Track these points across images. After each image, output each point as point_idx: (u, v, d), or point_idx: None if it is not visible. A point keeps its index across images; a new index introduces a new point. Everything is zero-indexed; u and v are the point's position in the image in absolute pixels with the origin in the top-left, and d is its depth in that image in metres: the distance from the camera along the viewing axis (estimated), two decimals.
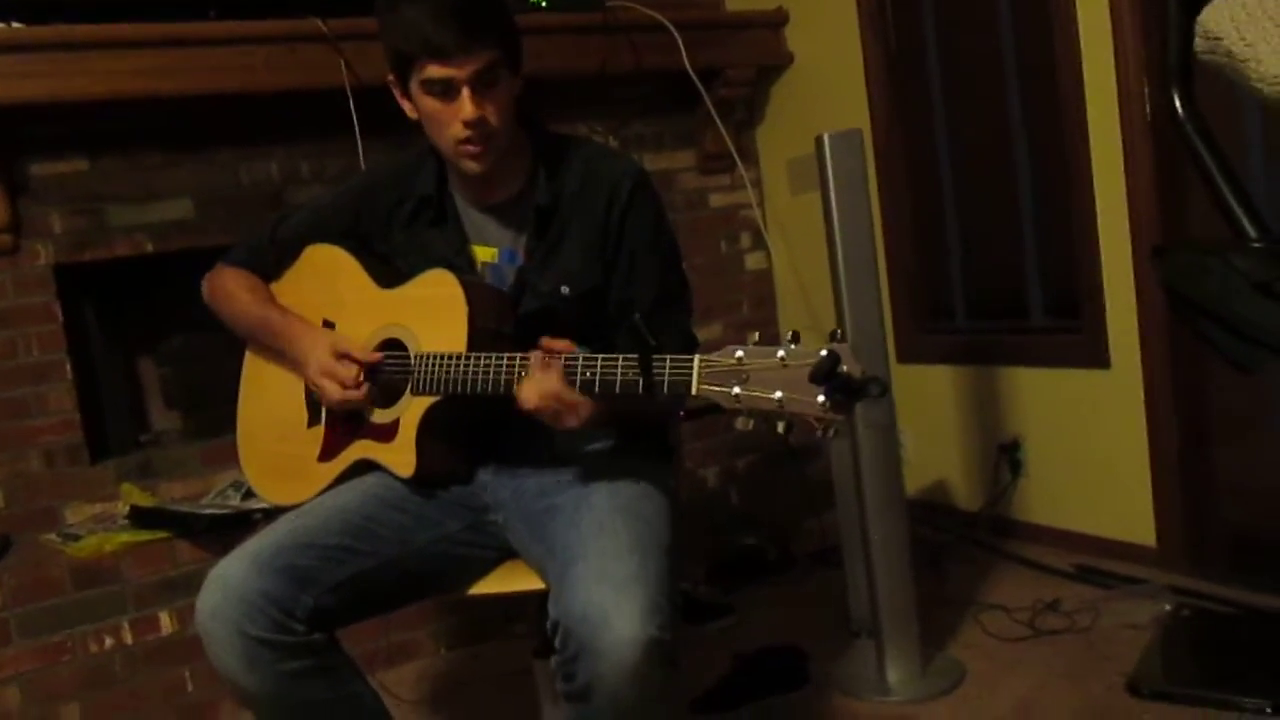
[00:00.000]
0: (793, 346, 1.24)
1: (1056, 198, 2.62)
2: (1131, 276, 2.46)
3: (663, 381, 1.32)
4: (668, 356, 1.32)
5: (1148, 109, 2.27)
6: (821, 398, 1.20)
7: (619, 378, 1.37)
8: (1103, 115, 2.44)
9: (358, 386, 1.61)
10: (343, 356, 1.62)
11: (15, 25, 2.36)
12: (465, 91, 1.50)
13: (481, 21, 1.50)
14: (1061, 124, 2.53)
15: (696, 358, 1.30)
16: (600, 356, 1.39)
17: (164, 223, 2.62)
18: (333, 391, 1.61)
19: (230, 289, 1.77)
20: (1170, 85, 0.98)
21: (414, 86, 1.54)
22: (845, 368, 1.20)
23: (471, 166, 1.57)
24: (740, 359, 1.26)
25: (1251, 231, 0.91)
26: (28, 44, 2.33)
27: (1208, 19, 0.91)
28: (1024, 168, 2.73)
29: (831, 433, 1.23)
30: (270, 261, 1.79)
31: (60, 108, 2.40)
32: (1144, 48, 2.31)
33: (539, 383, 1.42)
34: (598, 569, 1.38)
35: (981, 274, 2.91)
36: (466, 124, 1.51)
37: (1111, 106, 2.41)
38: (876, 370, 2.13)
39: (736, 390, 1.25)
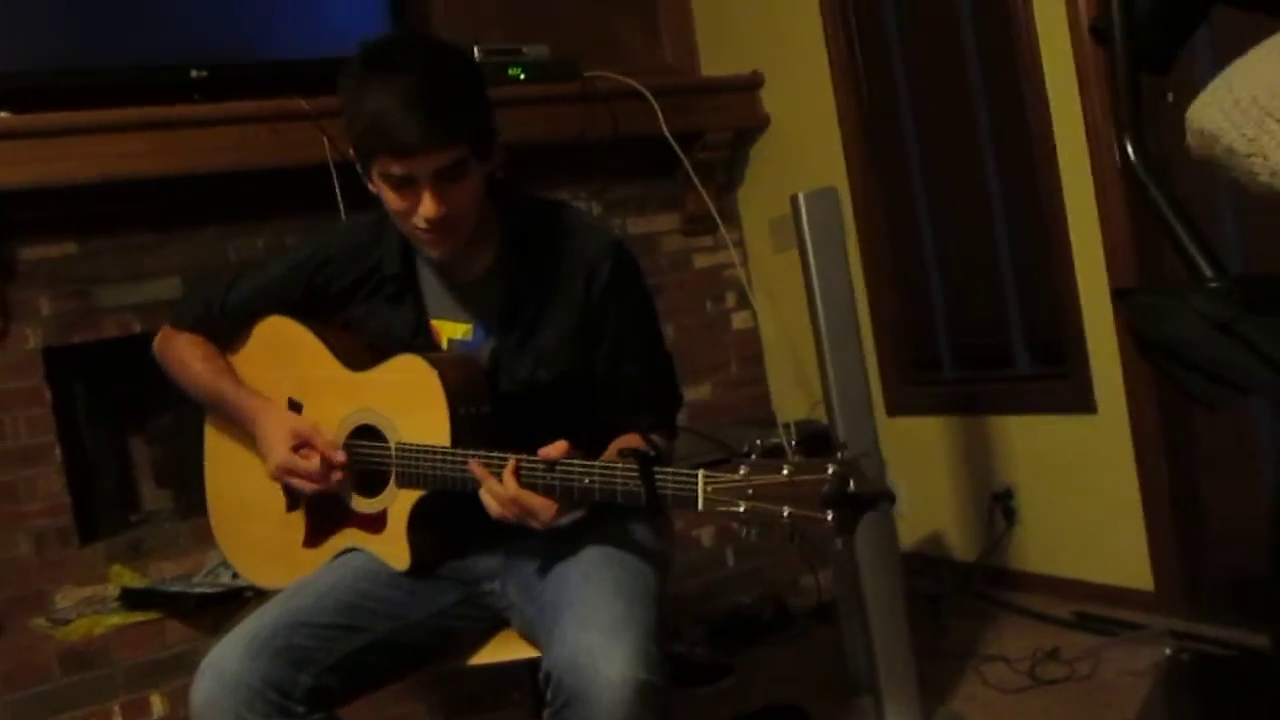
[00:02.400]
0: (796, 459, 1.24)
1: (1034, 246, 2.65)
2: (1113, 321, 2.48)
3: (667, 497, 1.32)
4: (670, 470, 1.32)
5: (1119, 160, 2.31)
6: (830, 514, 1.20)
7: (619, 488, 1.36)
8: (1074, 163, 2.48)
9: (325, 478, 1.57)
10: (303, 445, 1.58)
11: (3, 114, 2.40)
12: (426, 188, 1.44)
13: (448, 115, 1.41)
14: (1034, 173, 2.57)
15: (701, 474, 1.30)
16: (598, 465, 1.38)
17: (152, 302, 2.64)
18: (301, 486, 1.58)
19: (183, 356, 1.72)
20: (1122, 134, 1.01)
21: (374, 174, 1.48)
22: (854, 486, 1.21)
23: (432, 253, 1.54)
24: (745, 474, 1.26)
25: (1209, 272, 0.93)
26: (16, 131, 2.37)
27: (1198, 117, 0.92)
28: (1000, 217, 2.77)
29: (839, 543, 1.24)
30: (223, 330, 1.73)
31: (48, 192, 2.43)
32: (1111, 96, 2.36)
33: (494, 492, 1.41)
34: (584, 615, 1.38)
35: (966, 324, 2.94)
36: (428, 219, 1.46)
37: (1082, 154, 2.45)
38: (860, 427, 2.14)
39: (742, 507, 1.26)
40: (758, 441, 1.32)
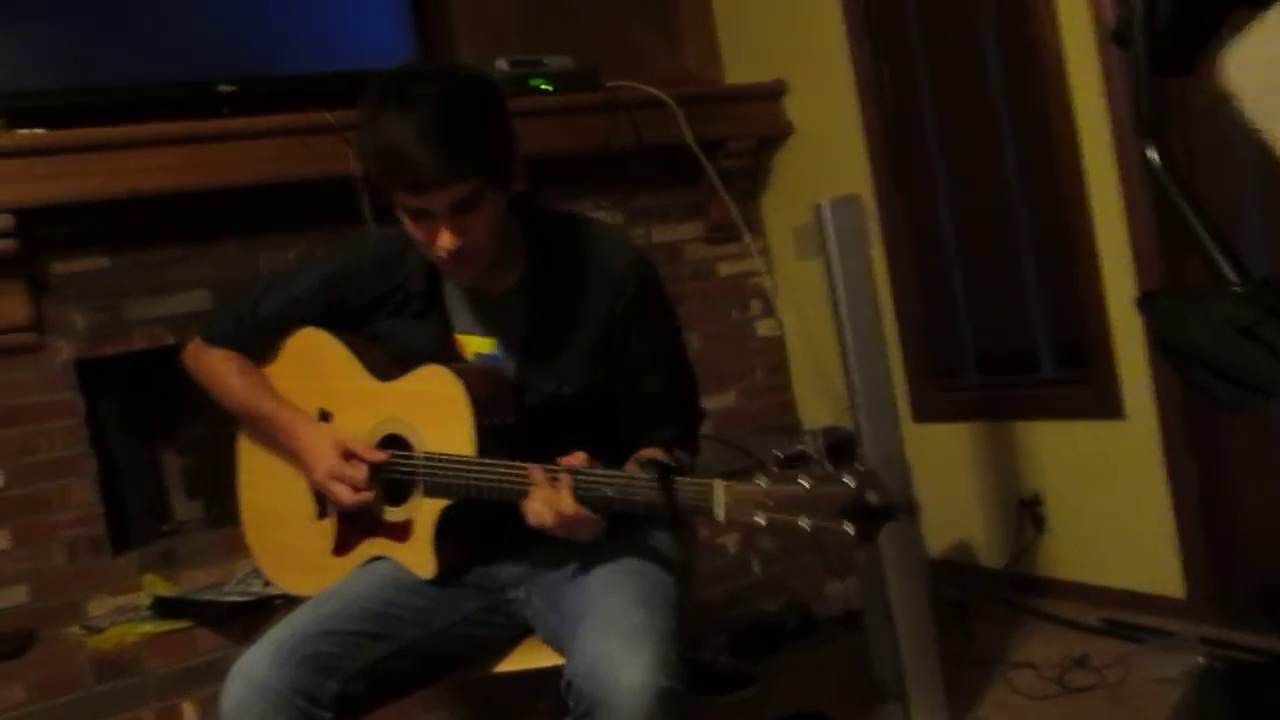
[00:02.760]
0: (817, 470, 1.27)
1: (1059, 250, 2.64)
2: (1140, 326, 2.46)
3: (688, 507, 1.34)
4: (690, 481, 1.34)
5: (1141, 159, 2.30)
6: (849, 526, 1.21)
7: (641, 499, 1.37)
8: (1100, 167, 2.47)
9: (369, 487, 1.58)
10: (349, 456, 1.59)
11: (38, 131, 2.45)
12: (443, 222, 1.45)
13: (461, 150, 1.41)
14: (1058, 177, 2.56)
15: (719, 484, 1.31)
16: (621, 475, 1.39)
17: (181, 314, 2.67)
18: (344, 495, 1.59)
19: (219, 371, 1.73)
20: (1143, 138, 1.01)
21: (395, 204, 1.49)
22: (871, 497, 1.22)
23: (454, 279, 1.57)
24: (764, 485, 1.28)
25: (1231, 276, 0.93)
26: (50, 148, 2.40)
27: (1226, 71, 0.89)
28: (1024, 222, 2.75)
29: (860, 555, 1.26)
30: (256, 344, 1.75)
31: (80, 207, 2.47)
32: (1132, 100, 2.35)
33: (551, 502, 1.41)
34: (604, 624, 1.39)
35: (990, 330, 2.92)
36: (446, 251, 1.47)
37: (1109, 157, 2.44)
38: (886, 434, 2.14)
39: (764, 519, 1.27)
40: (776, 452, 1.33)
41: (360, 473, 1.58)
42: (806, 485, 1.25)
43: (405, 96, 1.43)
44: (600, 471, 1.41)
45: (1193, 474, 2.45)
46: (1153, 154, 0.99)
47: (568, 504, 1.41)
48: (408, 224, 1.50)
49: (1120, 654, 2.37)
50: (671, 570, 1.55)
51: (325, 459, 1.60)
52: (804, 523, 1.24)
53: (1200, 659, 2.26)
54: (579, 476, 1.41)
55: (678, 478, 1.34)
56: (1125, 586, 2.63)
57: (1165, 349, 0.99)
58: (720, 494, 1.31)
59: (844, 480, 1.23)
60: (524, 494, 1.46)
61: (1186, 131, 2.21)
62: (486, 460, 1.49)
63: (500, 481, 1.48)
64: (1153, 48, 1.05)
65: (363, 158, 1.49)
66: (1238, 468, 2.44)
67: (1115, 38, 1.06)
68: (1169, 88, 1.12)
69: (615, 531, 1.56)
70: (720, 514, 1.31)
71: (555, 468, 1.44)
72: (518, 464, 1.46)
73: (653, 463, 1.36)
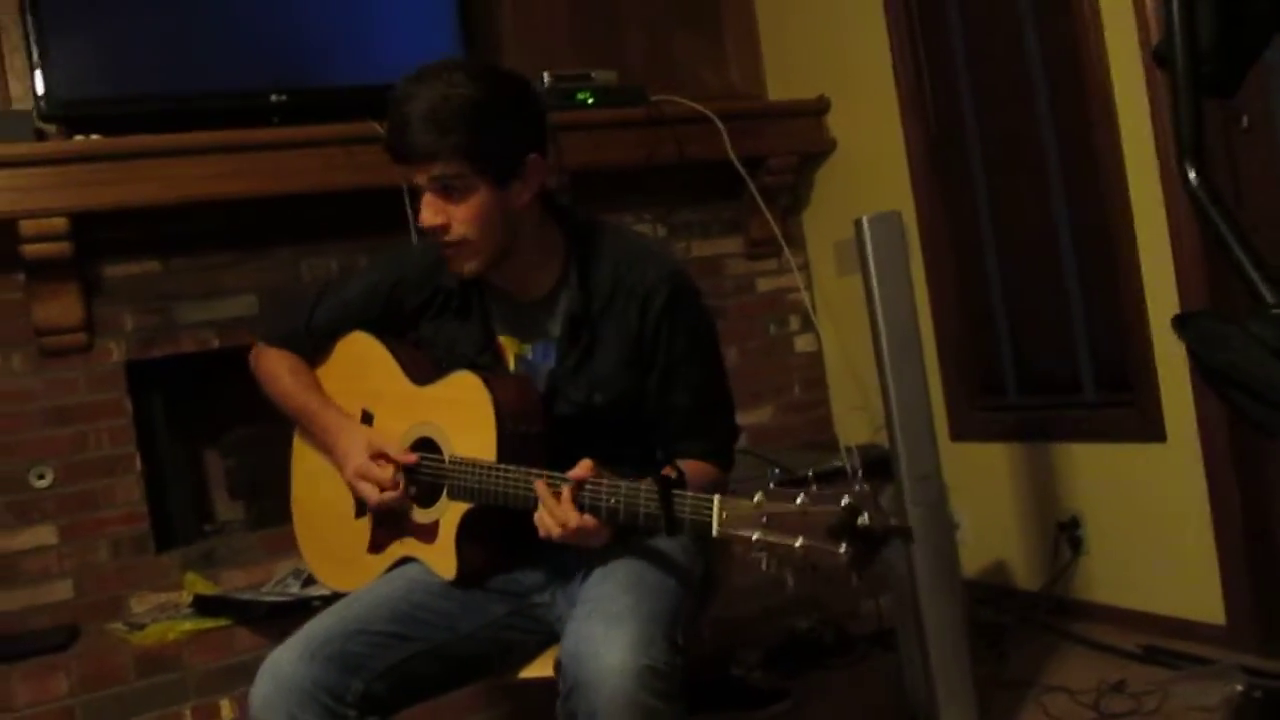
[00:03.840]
0: (814, 489, 1.25)
1: (1103, 271, 2.62)
2: (1184, 349, 2.42)
3: (684, 521, 1.34)
4: (689, 494, 1.34)
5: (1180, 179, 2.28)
6: (843, 549, 1.20)
7: (642, 510, 1.38)
8: (1145, 187, 2.45)
9: (395, 487, 1.62)
10: (378, 456, 1.64)
11: (94, 137, 2.51)
12: (425, 197, 1.52)
13: (448, 129, 1.47)
14: (1104, 200, 2.55)
15: (716, 499, 1.32)
16: (624, 486, 1.40)
17: (228, 319, 2.73)
18: (370, 493, 1.63)
19: (275, 371, 1.80)
20: (1183, 158, 1.01)
21: None
22: (866, 519, 1.20)
23: (450, 268, 1.59)
24: (759, 502, 1.27)
25: (1269, 298, 0.92)
26: (105, 154, 2.47)
27: None
28: (1068, 243, 2.73)
29: (856, 581, 1.24)
30: (310, 346, 1.82)
31: (133, 213, 2.54)
32: (1173, 121, 2.32)
33: (555, 515, 1.43)
34: (592, 608, 1.42)
35: (1031, 349, 2.90)
36: (426, 229, 1.53)
37: (1154, 178, 2.42)
38: (923, 452, 2.13)
39: (757, 535, 1.26)
40: (776, 470, 1.32)
41: (386, 473, 1.62)
42: (800, 504, 1.24)
43: (424, 75, 1.51)
44: (606, 483, 1.42)
45: (1235, 499, 2.41)
46: (1192, 174, 0.99)
47: (571, 515, 1.42)
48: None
49: (1158, 681, 2.33)
50: (676, 568, 1.54)
51: (355, 458, 1.65)
52: (797, 542, 1.23)
53: (1240, 687, 2.23)
54: (582, 487, 1.42)
55: (677, 491, 1.35)
56: (1164, 612, 2.59)
57: (1203, 370, 0.99)
58: (716, 509, 1.31)
59: (837, 501, 1.21)
60: (536, 503, 1.48)
61: (1232, 153, 2.20)
62: (504, 467, 1.52)
63: (515, 489, 1.50)
64: (1194, 69, 1.05)
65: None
66: None
67: (1156, 58, 1.05)
68: (1215, 108, 1.12)
69: (632, 539, 1.57)
70: (715, 529, 1.31)
71: (557, 478, 1.45)
72: (530, 472, 1.48)
73: (656, 476, 1.36)
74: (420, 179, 1.51)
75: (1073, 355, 2.78)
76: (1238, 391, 0.93)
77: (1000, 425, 2.94)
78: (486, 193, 1.53)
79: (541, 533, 1.46)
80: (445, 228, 1.53)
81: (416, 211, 2.48)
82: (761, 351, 3.40)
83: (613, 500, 1.40)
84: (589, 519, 1.42)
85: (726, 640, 2.78)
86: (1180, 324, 1.00)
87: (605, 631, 1.36)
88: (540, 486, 1.45)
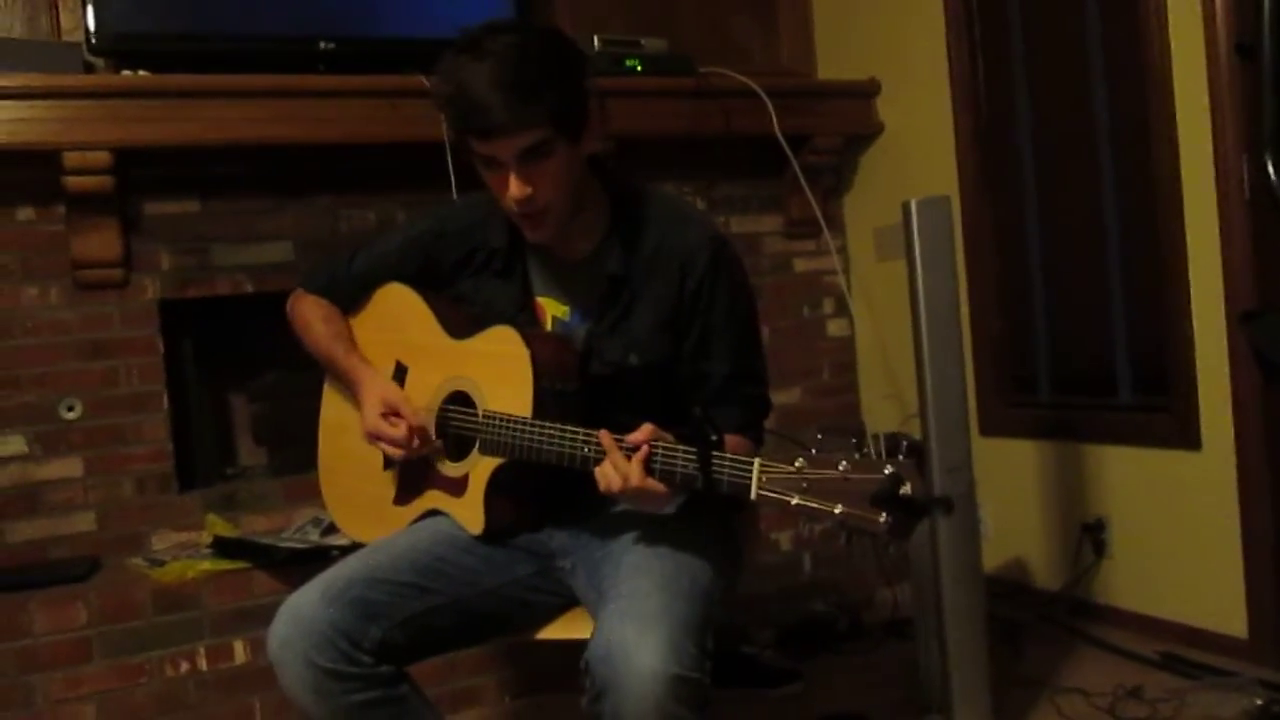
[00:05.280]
0: (857, 456, 1.22)
1: (1148, 271, 2.58)
2: (1226, 355, 2.38)
3: (723, 481, 1.32)
4: (728, 456, 1.32)
5: (1245, 183, 2.23)
6: (883, 517, 1.19)
7: (679, 470, 1.36)
8: (1198, 188, 2.40)
9: (409, 444, 1.61)
10: (390, 414, 1.64)
11: (141, 73, 2.51)
12: (512, 169, 1.47)
13: (530, 96, 1.43)
14: (1155, 196, 2.50)
15: (757, 461, 1.30)
16: (662, 446, 1.38)
17: (264, 264, 2.72)
18: (388, 450, 1.64)
19: (309, 318, 1.81)
20: (1264, 152, 0.97)
21: (471, 154, 1.52)
22: (908, 489, 1.19)
23: (529, 234, 1.58)
24: (800, 466, 1.25)
25: None
26: (151, 90, 2.46)
27: None
28: (1114, 240, 2.69)
29: (892, 549, 1.22)
30: (346, 295, 1.82)
31: (176, 151, 2.54)
32: (1242, 121, 2.27)
33: (623, 475, 1.40)
34: (624, 607, 1.39)
35: (1069, 347, 2.86)
36: (515, 200, 1.50)
37: (1208, 180, 2.37)
38: (955, 444, 2.11)
39: (796, 500, 1.25)
40: (819, 435, 1.29)
41: (399, 430, 1.62)
42: (842, 469, 1.22)
43: (479, 47, 1.46)
44: (661, 444, 1.39)
45: (1267, 513, 2.38)
46: (1271, 169, 0.96)
47: (636, 473, 1.40)
48: (483, 175, 1.53)
49: (1175, 689, 2.31)
50: (711, 560, 1.53)
51: (367, 416, 1.65)
52: (836, 508, 1.21)
53: (1258, 701, 2.20)
54: (657, 448, 1.40)
55: (715, 453, 1.33)
56: (1185, 621, 2.56)
57: (1266, 367, 0.96)
58: (756, 472, 1.29)
59: (881, 469, 1.19)
60: (575, 459, 1.46)
61: None
62: (540, 423, 1.51)
63: (551, 445, 1.49)
64: None
65: (439, 107, 1.51)
66: None
67: (1240, 49, 1.02)
68: None
69: (663, 517, 1.56)
70: (753, 492, 1.29)
71: (588, 438, 1.44)
72: (572, 429, 1.47)
73: (695, 437, 1.34)
74: (505, 152, 1.46)
75: (1111, 355, 2.74)
76: None
77: (1031, 422, 2.91)
78: (565, 152, 1.50)
79: (602, 486, 1.43)
80: (533, 197, 1.49)
81: (459, 168, 2.48)
82: (793, 332, 3.37)
83: (657, 459, 1.38)
84: (654, 482, 1.39)
85: (741, 618, 2.78)
86: (1246, 320, 0.96)
87: (638, 636, 1.33)
88: (605, 437, 1.42)
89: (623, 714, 1.32)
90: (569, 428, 1.48)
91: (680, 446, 1.39)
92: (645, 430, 1.41)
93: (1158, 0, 2.42)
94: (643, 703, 1.31)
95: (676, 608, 1.39)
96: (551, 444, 1.49)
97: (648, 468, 1.39)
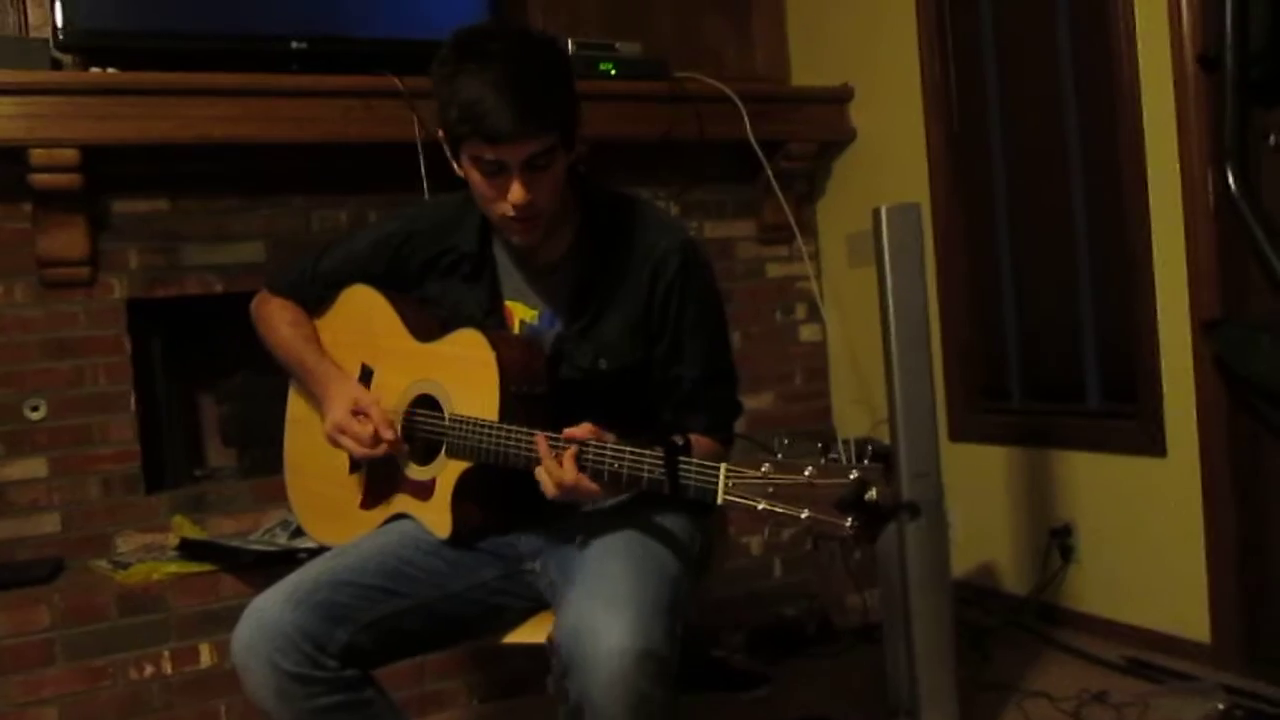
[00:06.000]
0: (822, 462, 1.23)
1: (1116, 279, 2.60)
2: (1191, 363, 2.41)
3: (690, 485, 1.32)
4: (694, 460, 1.32)
5: (1210, 193, 2.26)
6: (849, 522, 1.19)
7: (646, 475, 1.36)
8: (1165, 198, 2.42)
9: (374, 445, 1.61)
10: (360, 413, 1.63)
11: (110, 71, 2.48)
12: (516, 176, 1.47)
13: (541, 104, 1.44)
14: (1123, 206, 2.52)
15: (723, 466, 1.30)
16: (629, 450, 1.38)
17: (235, 264, 2.70)
18: (351, 447, 1.62)
19: (274, 320, 1.79)
20: (1226, 163, 0.99)
21: (464, 157, 1.51)
22: (874, 494, 1.19)
23: (517, 239, 1.57)
24: (766, 471, 1.26)
25: None
26: (121, 88, 2.44)
27: None
28: (1083, 248, 2.71)
29: (858, 554, 1.23)
30: (312, 296, 1.80)
31: (145, 149, 2.51)
32: (1208, 132, 2.29)
33: (554, 474, 1.42)
34: (592, 588, 1.40)
35: (1037, 354, 2.89)
36: (515, 206, 1.49)
37: (1174, 190, 2.39)
38: (923, 450, 2.12)
39: (762, 505, 1.25)
40: (785, 441, 1.29)
41: (366, 429, 1.61)
42: (807, 474, 1.23)
43: (484, 52, 1.46)
44: (610, 446, 1.40)
45: (1230, 519, 2.40)
46: (1231, 180, 0.97)
47: (568, 473, 1.40)
48: (477, 181, 1.51)
49: (1140, 693, 2.33)
50: (677, 549, 1.53)
51: (336, 413, 1.64)
52: (803, 513, 1.22)
53: (1220, 706, 2.23)
54: (585, 448, 1.40)
55: (683, 458, 1.33)
56: (1150, 626, 2.59)
57: (1228, 376, 0.97)
58: (722, 476, 1.29)
59: (846, 474, 1.20)
60: (531, 464, 1.46)
61: (1262, 172, 2.16)
62: (505, 426, 1.51)
63: (516, 449, 1.48)
64: (1243, 74, 1.03)
65: (442, 112, 1.50)
66: (1277, 516, 2.39)
67: (1203, 61, 1.03)
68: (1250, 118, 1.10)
69: (635, 510, 1.56)
70: (719, 497, 1.30)
71: (559, 439, 1.43)
72: (534, 432, 1.46)
73: (661, 441, 1.35)
74: (514, 157, 1.46)
75: (1079, 362, 2.76)
76: (1264, 400, 0.91)
77: (1000, 428, 2.93)
78: (562, 159, 1.52)
79: (543, 488, 1.44)
80: (532, 202, 1.49)
81: (431, 168, 2.48)
82: (766, 338, 3.38)
83: (616, 465, 1.38)
84: (586, 479, 1.41)
85: (711, 621, 2.78)
86: (1208, 330, 0.98)
87: (606, 613, 1.34)
88: (540, 441, 1.43)
89: (590, 690, 1.32)
90: (528, 431, 1.48)
91: (610, 445, 1.39)
92: (583, 428, 1.42)
93: (1126, 12, 2.45)
94: (611, 677, 1.31)
95: (645, 589, 1.40)
96: (518, 448, 1.49)
97: (579, 465, 1.40)
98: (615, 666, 1.30)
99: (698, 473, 1.32)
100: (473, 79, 1.44)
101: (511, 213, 1.51)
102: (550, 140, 1.47)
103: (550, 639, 1.38)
